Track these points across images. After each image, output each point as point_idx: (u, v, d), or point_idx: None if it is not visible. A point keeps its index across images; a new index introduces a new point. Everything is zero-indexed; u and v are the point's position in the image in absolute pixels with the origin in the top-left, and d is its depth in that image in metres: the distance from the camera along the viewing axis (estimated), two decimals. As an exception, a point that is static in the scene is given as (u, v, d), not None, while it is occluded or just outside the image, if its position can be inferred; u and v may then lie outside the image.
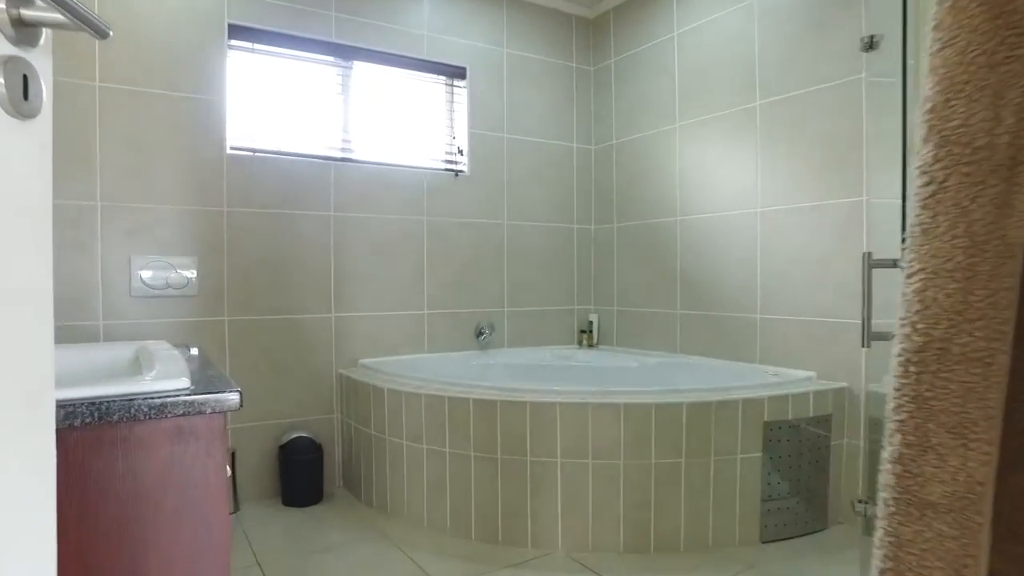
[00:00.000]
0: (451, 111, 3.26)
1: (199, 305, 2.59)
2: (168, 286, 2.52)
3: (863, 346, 1.31)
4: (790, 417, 2.27)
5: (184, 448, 0.87)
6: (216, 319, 2.62)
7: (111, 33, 0.59)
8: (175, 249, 2.55)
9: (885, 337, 1.33)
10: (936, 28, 0.48)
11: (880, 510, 0.47)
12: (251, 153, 2.72)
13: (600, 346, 3.58)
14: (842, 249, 2.42)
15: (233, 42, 2.68)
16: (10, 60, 0.52)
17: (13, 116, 0.53)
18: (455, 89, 3.26)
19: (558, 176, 3.56)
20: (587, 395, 2.22)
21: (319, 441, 2.75)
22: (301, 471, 2.65)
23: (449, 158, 3.24)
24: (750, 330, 2.77)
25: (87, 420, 0.79)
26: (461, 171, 3.25)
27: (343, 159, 2.93)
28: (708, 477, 2.18)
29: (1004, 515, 0.50)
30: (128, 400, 0.82)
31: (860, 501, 1.66)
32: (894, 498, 0.46)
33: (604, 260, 3.59)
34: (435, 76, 3.21)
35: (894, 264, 1.26)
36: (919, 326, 0.49)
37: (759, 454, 2.22)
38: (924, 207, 0.48)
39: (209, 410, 0.88)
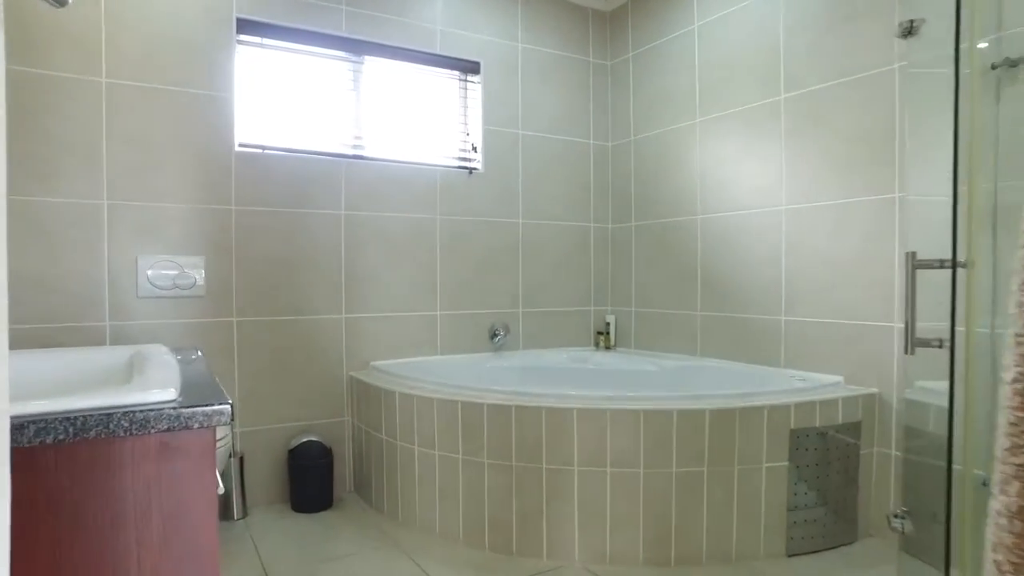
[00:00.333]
0: (465, 107, 3.19)
1: (207, 306, 2.54)
2: (175, 286, 2.46)
3: (906, 353, 1.21)
4: (818, 424, 2.17)
5: (169, 466, 0.80)
6: (224, 320, 2.57)
7: (70, 2, 0.52)
8: (183, 249, 2.49)
9: (929, 344, 1.23)
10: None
11: (990, 573, 0.39)
12: (260, 150, 2.66)
13: (618, 348, 3.48)
14: (872, 248, 2.31)
15: (242, 37, 2.62)
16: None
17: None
18: (469, 85, 3.19)
19: (574, 173, 3.47)
20: (605, 400, 2.14)
21: (329, 445, 2.69)
22: (311, 476, 2.59)
23: (463, 155, 3.16)
24: (774, 332, 2.67)
25: (61, 437, 0.72)
26: (475, 168, 3.17)
27: (354, 156, 2.87)
28: (732, 487, 2.09)
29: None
30: (106, 414, 0.75)
31: (897, 516, 1.56)
32: (1012, 563, 0.37)
33: (622, 259, 3.50)
34: (448, 71, 3.13)
35: (941, 265, 1.16)
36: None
37: (785, 463, 2.12)
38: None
39: (197, 424, 0.80)
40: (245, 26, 2.62)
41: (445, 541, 2.27)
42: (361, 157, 2.88)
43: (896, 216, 2.24)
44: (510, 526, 2.16)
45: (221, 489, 0.94)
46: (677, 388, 2.83)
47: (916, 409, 1.82)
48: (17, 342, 2.22)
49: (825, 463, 2.18)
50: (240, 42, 2.62)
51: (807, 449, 2.15)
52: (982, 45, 1.27)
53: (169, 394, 0.82)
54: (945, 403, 1.42)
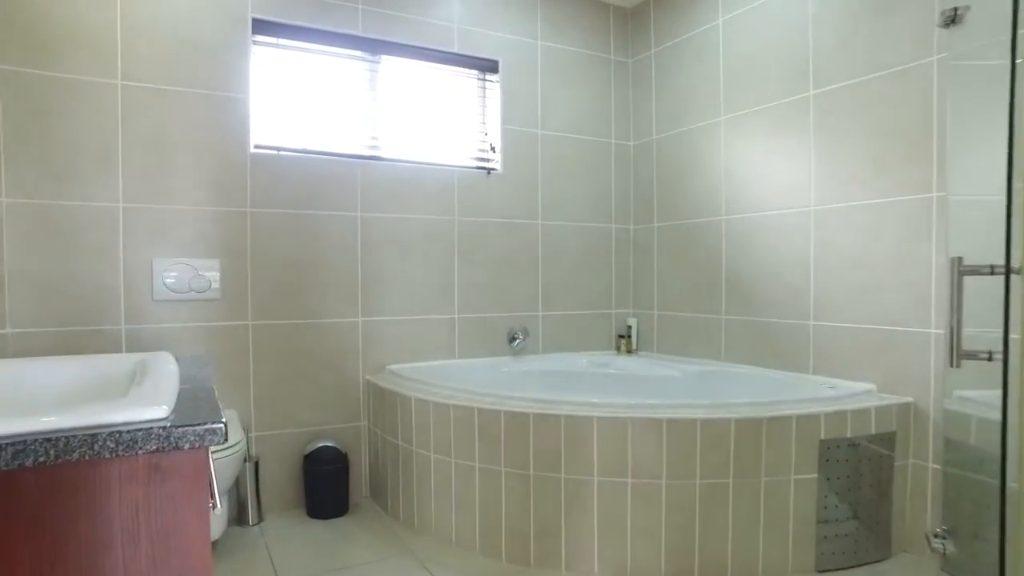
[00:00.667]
0: (483, 107, 3.13)
1: (222, 309, 2.51)
2: (191, 289, 2.44)
3: (951, 366, 1.13)
4: (849, 434, 2.07)
5: (159, 489, 0.75)
6: (240, 323, 2.54)
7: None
8: (198, 251, 2.47)
9: (976, 356, 1.15)
10: None
11: None
12: (276, 152, 2.63)
13: (639, 352, 3.40)
14: (906, 250, 2.21)
15: (257, 37, 2.60)
16: None
17: None
18: (487, 84, 3.13)
19: (595, 174, 3.40)
20: (626, 409, 2.06)
21: (345, 450, 2.65)
22: (326, 482, 2.56)
23: (481, 155, 3.10)
24: (802, 338, 2.57)
25: (41, 459, 0.68)
26: (494, 169, 3.11)
27: (371, 157, 2.82)
28: (758, 499, 2.00)
29: None
30: (91, 435, 0.70)
31: (937, 536, 1.47)
32: None
33: (643, 261, 3.42)
34: (466, 70, 3.08)
35: (992, 271, 1.08)
36: None
37: (815, 475, 2.03)
38: None
39: (188, 445, 0.75)
40: (261, 26, 2.59)
41: (462, 550, 2.21)
42: (378, 158, 2.84)
43: (933, 217, 2.13)
44: (528, 536, 2.10)
45: (218, 508, 0.90)
46: (701, 395, 2.74)
47: (956, 420, 1.73)
48: (33, 346, 2.22)
49: (857, 475, 2.09)
50: (256, 43, 2.60)
51: (838, 461, 2.06)
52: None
53: (160, 412, 0.77)
54: (989, 414, 1.34)
